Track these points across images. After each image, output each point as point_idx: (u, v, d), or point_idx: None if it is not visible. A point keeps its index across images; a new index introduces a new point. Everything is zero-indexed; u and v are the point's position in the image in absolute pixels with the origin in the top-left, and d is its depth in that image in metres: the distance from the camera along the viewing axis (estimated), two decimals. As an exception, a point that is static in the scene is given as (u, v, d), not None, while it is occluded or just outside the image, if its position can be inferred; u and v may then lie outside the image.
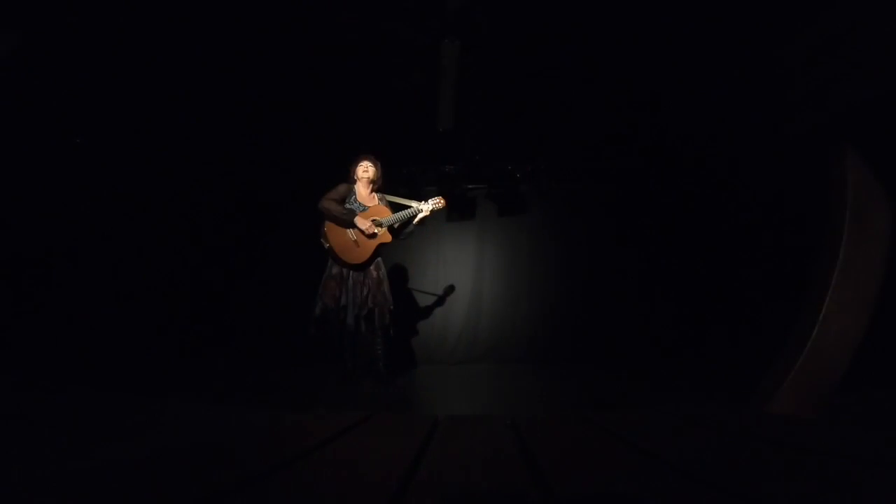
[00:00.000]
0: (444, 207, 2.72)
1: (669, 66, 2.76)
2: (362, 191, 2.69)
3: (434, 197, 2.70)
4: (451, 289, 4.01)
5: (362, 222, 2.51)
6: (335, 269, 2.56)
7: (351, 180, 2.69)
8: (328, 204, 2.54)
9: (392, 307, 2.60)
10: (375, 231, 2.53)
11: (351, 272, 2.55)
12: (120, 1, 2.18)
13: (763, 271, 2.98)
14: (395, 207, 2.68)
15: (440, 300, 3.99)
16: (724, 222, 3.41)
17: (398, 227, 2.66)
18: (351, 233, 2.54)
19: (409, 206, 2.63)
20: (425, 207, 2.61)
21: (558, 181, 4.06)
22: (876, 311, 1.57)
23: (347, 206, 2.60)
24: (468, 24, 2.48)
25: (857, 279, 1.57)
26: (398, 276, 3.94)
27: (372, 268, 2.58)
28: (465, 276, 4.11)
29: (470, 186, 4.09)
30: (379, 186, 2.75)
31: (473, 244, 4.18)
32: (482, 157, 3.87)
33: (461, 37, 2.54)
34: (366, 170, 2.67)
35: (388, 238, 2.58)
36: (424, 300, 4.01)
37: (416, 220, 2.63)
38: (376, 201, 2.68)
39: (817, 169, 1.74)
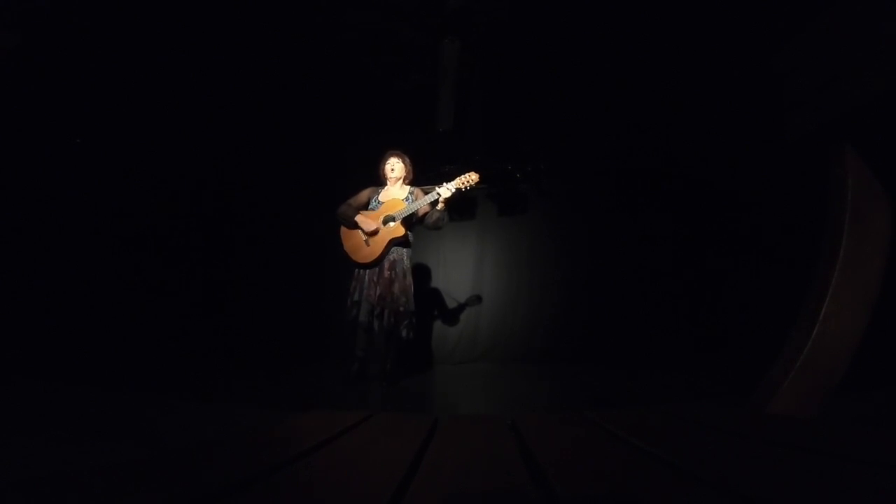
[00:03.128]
0: (477, 182, 2.47)
1: (669, 65, 2.77)
2: (392, 188, 2.62)
3: (463, 174, 2.47)
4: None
5: (363, 221, 2.48)
6: (356, 269, 2.55)
7: (381, 182, 2.66)
8: (340, 208, 2.55)
9: (402, 308, 2.48)
10: (376, 227, 2.48)
11: (367, 271, 2.51)
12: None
13: (763, 271, 2.98)
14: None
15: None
16: (725, 222, 3.41)
17: (421, 216, 2.53)
18: (361, 233, 2.52)
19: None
20: (443, 189, 2.43)
21: (558, 181, 4.06)
22: (876, 311, 1.57)
23: (371, 207, 2.57)
24: (468, 23, 2.48)
25: (857, 279, 1.57)
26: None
27: (385, 266, 2.50)
28: (465, 276, 4.11)
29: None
30: (411, 180, 2.68)
31: (473, 244, 4.19)
32: (482, 157, 3.87)
33: (461, 37, 2.54)
34: (392, 167, 2.62)
35: (399, 232, 2.48)
36: (434, 303, 4.01)
37: (440, 204, 2.46)
38: (405, 195, 2.59)
39: (817, 169, 1.74)
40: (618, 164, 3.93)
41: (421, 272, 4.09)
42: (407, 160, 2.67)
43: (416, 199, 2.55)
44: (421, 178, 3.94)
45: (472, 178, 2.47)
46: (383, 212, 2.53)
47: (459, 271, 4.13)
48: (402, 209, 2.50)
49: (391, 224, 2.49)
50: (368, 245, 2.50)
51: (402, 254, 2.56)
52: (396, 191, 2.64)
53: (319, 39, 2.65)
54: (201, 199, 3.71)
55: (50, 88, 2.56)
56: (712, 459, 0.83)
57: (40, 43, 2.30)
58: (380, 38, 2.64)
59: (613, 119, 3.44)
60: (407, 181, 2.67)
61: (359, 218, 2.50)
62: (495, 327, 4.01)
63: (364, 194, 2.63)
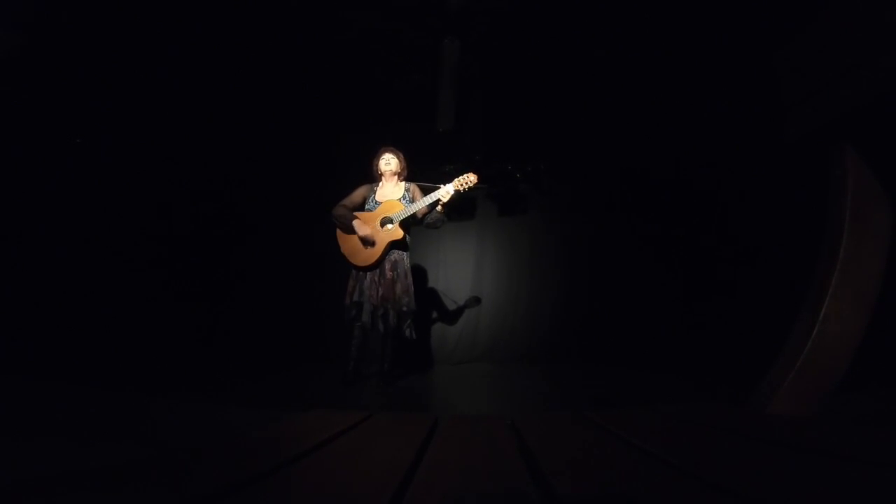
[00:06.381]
0: (476, 184, 2.46)
1: (669, 65, 2.77)
2: (387, 185, 2.60)
3: (461, 175, 2.45)
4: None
5: (361, 227, 2.44)
6: (354, 270, 2.53)
7: (375, 177, 2.63)
8: (335, 210, 2.53)
9: (405, 309, 2.49)
10: (371, 232, 2.45)
11: (367, 272, 2.49)
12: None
13: (763, 271, 2.98)
14: (427, 193, 2.52)
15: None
16: (725, 222, 3.41)
17: (421, 216, 2.51)
18: (358, 237, 2.50)
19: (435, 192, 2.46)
20: (442, 192, 2.42)
21: (558, 181, 4.06)
22: (876, 311, 1.57)
23: (367, 207, 2.56)
24: (468, 23, 2.48)
25: (857, 279, 1.57)
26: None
27: (387, 267, 2.49)
28: (465, 277, 4.11)
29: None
30: (406, 176, 2.66)
31: (473, 244, 4.18)
32: (482, 157, 3.87)
33: (461, 37, 2.54)
34: (388, 162, 2.59)
35: (398, 234, 2.47)
36: (433, 303, 4.01)
37: (440, 206, 2.46)
38: (402, 193, 2.58)
39: (817, 169, 1.74)
40: (618, 165, 3.93)
41: (421, 272, 4.09)
42: (401, 155, 2.65)
43: (414, 198, 2.55)
44: (421, 178, 3.96)
45: (470, 178, 2.45)
46: (381, 213, 2.50)
47: (459, 271, 4.12)
48: (400, 211, 2.47)
49: (389, 226, 2.47)
50: (367, 248, 2.48)
51: (402, 255, 2.56)
52: (392, 188, 2.60)
53: (319, 39, 2.65)
54: (201, 198, 3.70)
55: (50, 88, 2.56)
56: (712, 459, 0.83)
57: (40, 43, 2.30)
58: (380, 38, 2.64)
59: (613, 119, 3.44)
60: (402, 177, 2.65)
61: (356, 223, 2.46)
62: (495, 327, 4.01)
63: (359, 193, 2.59)
